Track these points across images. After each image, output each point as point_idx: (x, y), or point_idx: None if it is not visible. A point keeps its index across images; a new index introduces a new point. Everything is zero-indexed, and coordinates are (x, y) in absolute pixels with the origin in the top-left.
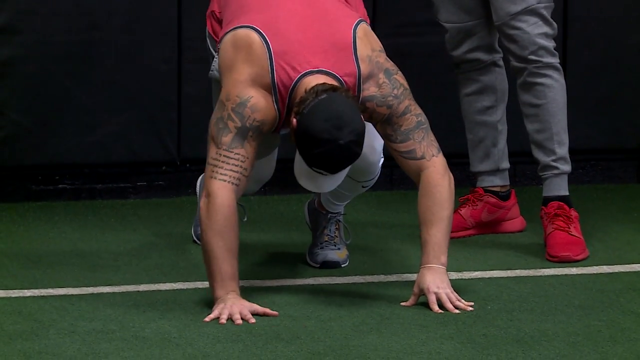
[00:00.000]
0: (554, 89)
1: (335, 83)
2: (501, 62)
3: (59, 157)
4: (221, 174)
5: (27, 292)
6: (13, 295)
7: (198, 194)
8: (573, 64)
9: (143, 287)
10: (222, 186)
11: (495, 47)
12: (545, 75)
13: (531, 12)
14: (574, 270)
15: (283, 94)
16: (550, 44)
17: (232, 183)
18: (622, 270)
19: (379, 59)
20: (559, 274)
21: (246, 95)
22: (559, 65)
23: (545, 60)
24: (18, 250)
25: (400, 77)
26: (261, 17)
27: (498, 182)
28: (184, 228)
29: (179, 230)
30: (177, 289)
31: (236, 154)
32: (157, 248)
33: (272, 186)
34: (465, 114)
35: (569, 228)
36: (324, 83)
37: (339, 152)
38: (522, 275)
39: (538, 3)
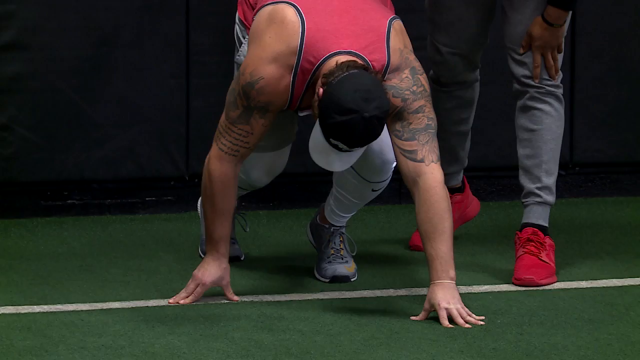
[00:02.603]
0: (552, 117)
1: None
2: (479, 75)
3: (67, 172)
4: (222, 143)
5: (37, 308)
6: (22, 311)
7: (199, 212)
8: (581, 77)
9: (152, 303)
10: (219, 155)
11: (478, 64)
12: (545, 102)
13: None
14: (583, 284)
15: (305, 74)
16: (559, 75)
17: (230, 154)
18: (632, 283)
19: (409, 56)
20: (569, 287)
21: (257, 75)
22: (561, 95)
23: (548, 87)
24: (27, 266)
25: (423, 79)
26: None
27: (460, 178)
28: (193, 243)
29: (187, 245)
30: (186, 304)
31: (240, 129)
32: (166, 263)
33: (281, 200)
34: (439, 123)
35: (540, 253)
36: (355, 61)
37: (361, 125)
38: (531, 288)
39: None
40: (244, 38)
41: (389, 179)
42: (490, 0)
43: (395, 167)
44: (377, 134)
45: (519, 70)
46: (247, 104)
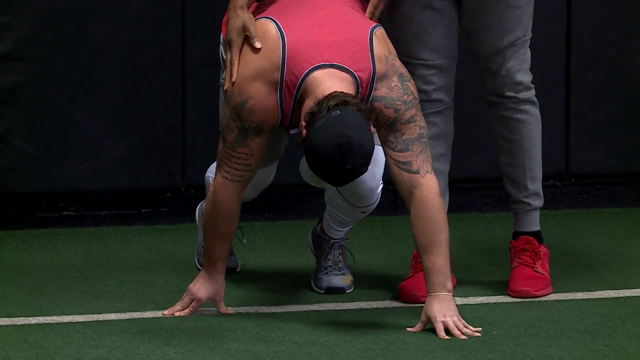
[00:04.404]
0: (529, 124)
1: (347, 89)
2: (453, 103)
3: (63, 183)
4: (225, 171)
5: (33, 320)
6: (18, 323)
7: (198, 221)
8: (576, 87)
9: (148, 314)
10: (224, 184)
11: (452, 89)
12: (520, 111)
13: (516, 46)
14: (579, 295)
15: (291, 89)
16: (529, 79)
17: (234, 181)
18: (628, 294)
19: (394, 62)
20: (564, 298)
21: (246, 95)
22: (535, 98)
23: (522, 96)
24: (22, 277)
25: (412, 85)
26: (280, 12)
27: None
28: (189, 254)
29: (183, 256)
30: (182, 316)
31: (239, 152)
32: (162, 274)
33: (277, 212)
34: None
35: (535, 264)
36: (336, 94)
37: (345, 175)
38: (527, 300)
39: (524, 36)
40: None
41: (377, 201)
42: (452, 7)
43: (382, 186)
44: (362, 174)
45: (490, 82)
46: (241, 126)
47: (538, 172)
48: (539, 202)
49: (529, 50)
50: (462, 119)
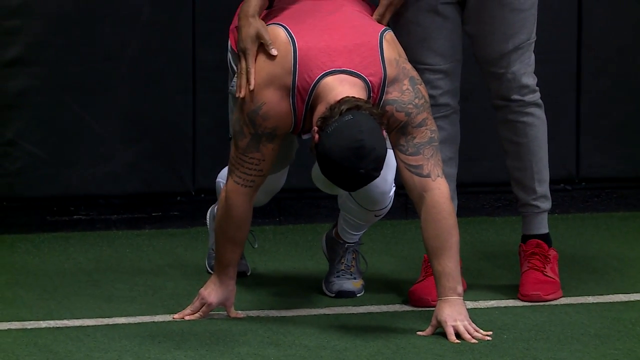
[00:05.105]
0: (535, 127)
1: (359, 94)
2: (459, 107)
3: (73, 187)
4: (237, 175)
5: (43, 324)
6: (29, 327)
7: (208, 225)
8: (587, 92)
9: (159, 318)
10: (236, 189)
11: (458, 93)
12: (527, 114)
13: (521, 49)
14: (590, 299)
15: (302, 94)
16: (534, 82)
17: (246, 186)
18: (638, 298)
19: (405, 65)
20: (575, 302)
21: (259, 101)
22: (540, 101)
23: (528, 99)
24: (33, 281)
25: (423, 89)
26: (289, 19)
27: None
28: (199, 258)
29: (194, 260)
30: (192, 320)
31: (251, 158)
32: (173, 278)
33: (287, 216)
34: None
35: (545, 268)
36: (348, 99)
37: (358, 179)
38: (538, 303)
39: (528, 40)
40: (236, 66)
41: (390, 205)
42: (456, 11)
43: (394, 190)
44: (375, 178)
45: (496, 85)
46: (254, 132)
47: (545, 174)
48: (547, 205)
49: (533, 53)
50: (472, 124)
